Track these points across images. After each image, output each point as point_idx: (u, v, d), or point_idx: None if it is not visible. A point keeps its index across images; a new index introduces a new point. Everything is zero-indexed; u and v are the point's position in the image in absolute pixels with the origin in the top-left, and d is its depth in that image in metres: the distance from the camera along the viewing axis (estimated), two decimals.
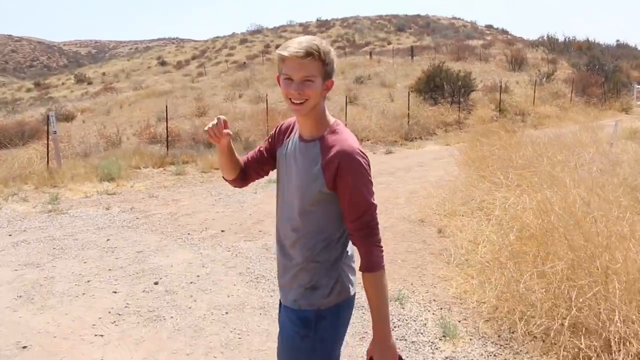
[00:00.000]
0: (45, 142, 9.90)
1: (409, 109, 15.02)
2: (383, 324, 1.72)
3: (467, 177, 7.38)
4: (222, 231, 6.26)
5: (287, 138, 1.90)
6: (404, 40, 50.53)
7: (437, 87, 17.89)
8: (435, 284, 4.66)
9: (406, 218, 6.68)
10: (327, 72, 1.70)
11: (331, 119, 1.79)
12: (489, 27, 66.85)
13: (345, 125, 1.87)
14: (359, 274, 1.76)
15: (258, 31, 65.69)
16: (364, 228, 1.68)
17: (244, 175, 2.04)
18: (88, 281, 4.62)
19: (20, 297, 4.31)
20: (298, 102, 1.68)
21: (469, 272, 4.74)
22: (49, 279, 4.70)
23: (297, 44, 1.64)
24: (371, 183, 1.71)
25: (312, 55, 1.63)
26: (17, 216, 7.05)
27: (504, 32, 62.03)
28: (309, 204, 1.73)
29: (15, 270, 5.01)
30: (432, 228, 6.24)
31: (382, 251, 1.72)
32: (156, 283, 4.51)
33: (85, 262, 5.15)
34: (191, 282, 4.57)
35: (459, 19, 71.39)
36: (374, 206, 1.71)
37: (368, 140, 13.59)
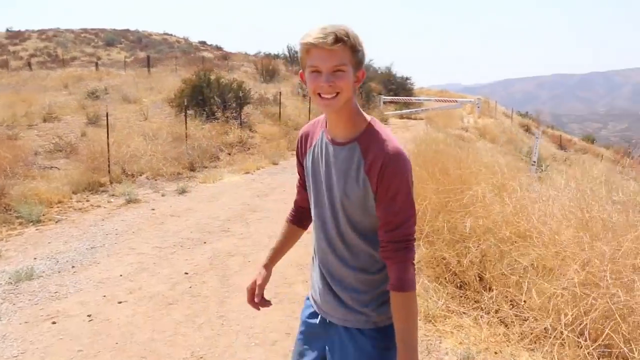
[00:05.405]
0: None
1: (186, 129, 11.36)
2: (412, 353, 1.39)
3: None
4: None
5: (311, 146, 1.63)
6: (115, 56, 45.34)
7: (203, 100, 14.59)
8: None
9: None
10: (358, 61, 1.44)
11: (367, 116, 1.53)
12: (203, 43, 65.52)
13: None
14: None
15: None
16: (402, 240, 1.42)
17: (308, 221, 1.83)
18: None
19: None
20: (329, 96, 1.43)
21: None
22: None
23: (321, 30, 1.37)
24: (412, 192, 1.46)
25: (342, 41, 1.38)
26: None
27: (219, 48, 61.07)
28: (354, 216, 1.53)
29: None
30: None
31: (415, 269, 1.46)
32: None
33: None
34: None
35: (171, 35, 68.41)
36: (415, 218, 1.46)
37: (142, 174, 9.55)
